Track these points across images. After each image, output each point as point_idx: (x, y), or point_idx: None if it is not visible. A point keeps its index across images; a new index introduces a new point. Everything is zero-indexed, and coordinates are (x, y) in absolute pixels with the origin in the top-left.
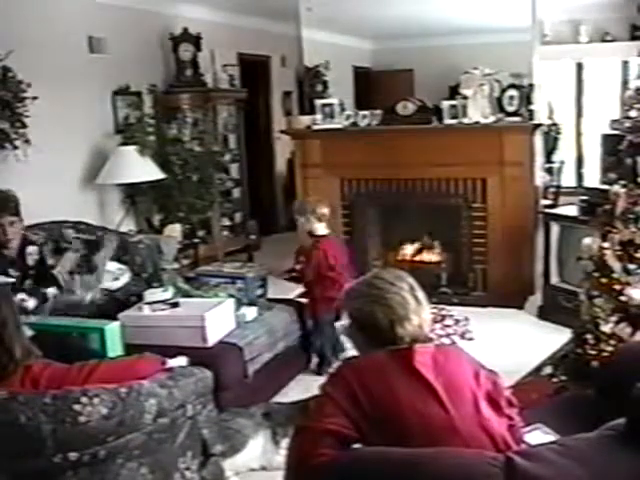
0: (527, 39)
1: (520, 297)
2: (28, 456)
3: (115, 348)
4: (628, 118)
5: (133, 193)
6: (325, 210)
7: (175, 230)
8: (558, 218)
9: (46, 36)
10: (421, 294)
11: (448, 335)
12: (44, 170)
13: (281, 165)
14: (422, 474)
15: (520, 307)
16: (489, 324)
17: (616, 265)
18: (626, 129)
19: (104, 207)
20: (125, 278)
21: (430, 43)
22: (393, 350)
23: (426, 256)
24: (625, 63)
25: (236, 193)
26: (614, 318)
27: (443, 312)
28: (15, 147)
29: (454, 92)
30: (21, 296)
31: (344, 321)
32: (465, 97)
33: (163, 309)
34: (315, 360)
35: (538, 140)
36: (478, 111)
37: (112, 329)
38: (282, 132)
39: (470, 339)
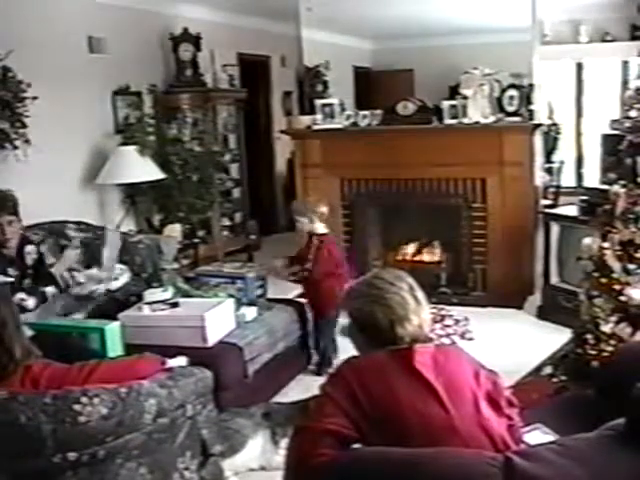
0: (527, 39)
1: (520, 297)
2: (28, 456)
3: (115, 348)
4: (628, 118)
5: (133, 193)
6: (324, 209)
7: (175, 230)
8: (558, 218)
9: (46, 36)
10: (421, 294)
11: (448, 335)
12: (44, 170)
13: (281, 165)
14: (422, 474)
15: (520, 307)
16: (489, 324)
17: (616, 265)
18: (626, 129)
19: (104, 207)
20: (125, 278)
21: (430, 43)
22: (393, 350)
23: (426, 256)
24: (625, 63)
25: (236, 193)
26: (614, 318)
27: (443, 312)
28: (15, 147)
29: (454, 92)
30: (20, 295)
31: (344, 320)
32: (465, 97)
33: (163, 309)
34: (315, 360)
35: (538, 140)
36: (478, 111)
37: (112, 329)
38: (282, 132)
39: (470, 339)
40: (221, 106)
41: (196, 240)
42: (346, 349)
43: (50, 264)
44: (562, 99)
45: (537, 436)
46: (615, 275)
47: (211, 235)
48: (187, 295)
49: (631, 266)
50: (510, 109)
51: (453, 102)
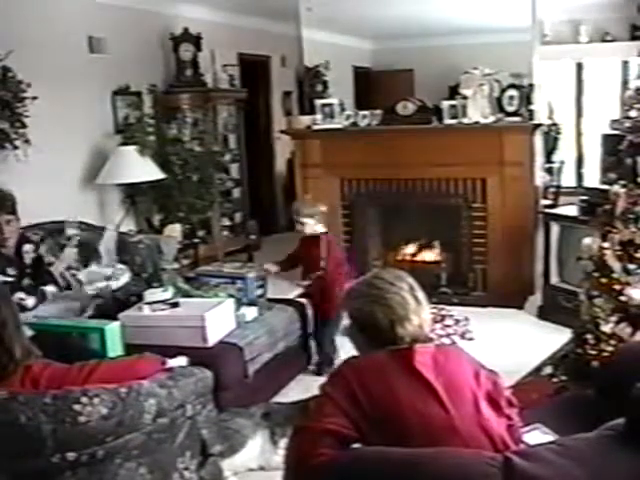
0: (527, 39)
1: (520, 297)
2: (28, 456)
3: (115, 348)
4: (628, 118)
5: (133, 193)
6: (324, 208)
7: (175, 230)
8: (558, 218)
9: (46, 36)
10: (421, 294)
11: (448, 335)
12: (44, 170)
13: (281, 165)
14: (422, 474)
15: (520, 307)
16: (489, 324)
17: (616, 265)
18: (626, 129)
19: (104, 207)
20: (125, 278)
21: (430, 43)
22: (393, 350)
23: (426, 256)
24: (625, 63)
25: (236, 193)
26: (614, 318)
27: (443, 312)
28: (15, 147)
29: (454, 92)
30: (20, 295)
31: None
32: (465, 97)
33: (163, 309)
34: (315, 360)
35: (538, 140)
36: (478, 111)
37: (112, 329)
38: (282, 132)
39: (470, 339)
40: (221, 106)
41: (196, 240)
42: (346, 349)
43: (49, 263)
44: (562, 99)
45: (537, 436)
46: (615, 275)
47: (211, 235)
48: (187, 295)
49: (631, 266)
50: (510, 109)
51: (453, 102)
